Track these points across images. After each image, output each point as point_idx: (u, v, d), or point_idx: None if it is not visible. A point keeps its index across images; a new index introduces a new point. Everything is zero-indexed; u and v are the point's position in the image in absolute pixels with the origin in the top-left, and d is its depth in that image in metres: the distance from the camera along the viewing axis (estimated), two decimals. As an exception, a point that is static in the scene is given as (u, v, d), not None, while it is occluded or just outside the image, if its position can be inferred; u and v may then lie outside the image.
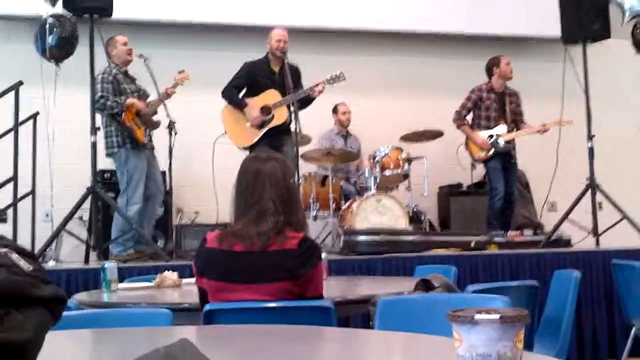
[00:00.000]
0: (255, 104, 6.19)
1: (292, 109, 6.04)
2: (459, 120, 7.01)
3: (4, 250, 1.22)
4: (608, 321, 5.64)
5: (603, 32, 6.47)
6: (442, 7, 8.01)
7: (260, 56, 6.37)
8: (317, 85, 6.15)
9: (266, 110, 6.17)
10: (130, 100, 5.84)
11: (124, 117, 5.82)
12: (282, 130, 6.23)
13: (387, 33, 8.03)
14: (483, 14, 8.08)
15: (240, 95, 6.33)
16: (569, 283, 3.45)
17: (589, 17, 6.41)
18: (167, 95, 6.05)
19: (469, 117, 7.08)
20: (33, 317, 1.17)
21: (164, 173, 6.51)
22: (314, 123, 6.99)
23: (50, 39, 5.45)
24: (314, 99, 6.25)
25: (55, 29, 5.47)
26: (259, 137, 6.17)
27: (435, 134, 6.98)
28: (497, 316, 1.11)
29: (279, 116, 6.17)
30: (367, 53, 8.03)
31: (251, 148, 6.08)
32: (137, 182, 5.83)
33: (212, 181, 6.22)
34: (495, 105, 6.97)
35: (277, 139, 6.23)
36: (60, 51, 5.54)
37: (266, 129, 6.18)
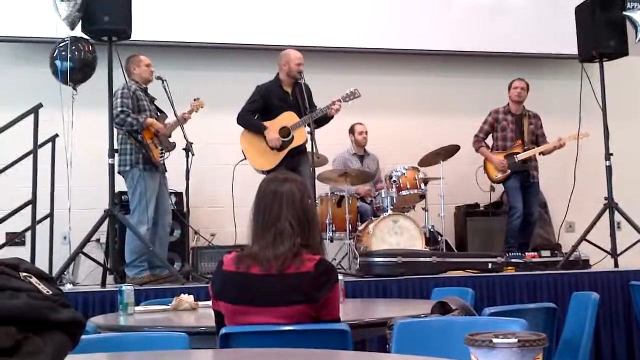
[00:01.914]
0: (273, 126, 6.19)
1: (308, 129, 6.02)
2: (477, 142, 7.08)
3: (24, 274, 1.23)
4: (627, 343, 5.59)
5: (620, 49, 6.46)
6: (459, 25, 8.03)
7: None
8: (333, 103, 6.15)
9: (285, 131, 6.17)
10: (150, 120, 5.88)
11: (144, 134, 5.85)
12: (299, 151, 6.23)
13: (404, 52, 8.04)
14: (500, 33, 8.09)
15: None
16: (587, 305, 3.43)
17: (605, 35, 6.40)
18: (184, 119, 6.09)
19: (490, 141, 7.11)
20: (51, 341, 1.18)
21: (180, 194, 6.54)
22: (330, 143, 7.01)
23: (68, 62, 5.50)
24: (331, 117, 6.26)
25: (73, 52, 5.52)
26: (280, 160, 6.16)
27: (452, 150, 6.95)
28: (514, 340, 1.11)
29: (299, 137, 6.16)
30: (383, 73, 8.04)
31: (270, 171, 6.06)
32: (147, 202, 5.84)
33: (231, 203, 6.20)
34: (512, 126, 7.00)
35: (294, 159, 6.22)
36: (79, 74, 5.59)
37: (287, 150, 6.17)
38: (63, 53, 5.50)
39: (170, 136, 6.13)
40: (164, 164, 6.09)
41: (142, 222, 5.78)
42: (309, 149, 6.05)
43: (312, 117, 6.00)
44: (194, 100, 6.23)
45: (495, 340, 1.11)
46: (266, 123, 6.17)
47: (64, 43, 5.52)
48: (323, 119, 6.22)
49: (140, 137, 5.83)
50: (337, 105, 6.15)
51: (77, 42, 5.60)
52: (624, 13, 6.26)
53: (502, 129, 7.03)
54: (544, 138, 7.08)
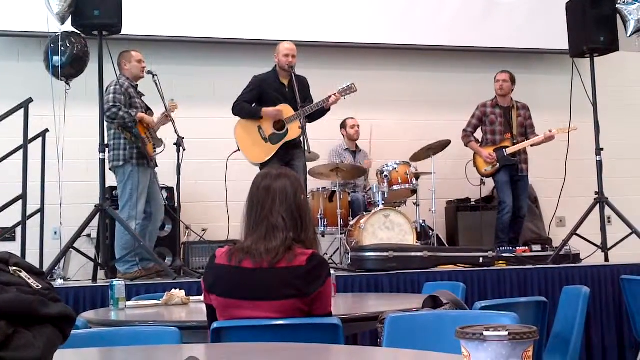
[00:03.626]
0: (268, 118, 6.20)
1: (301, 122, 6.00)
2: (466, 137, 7.10)
3: (14, 268, 1.23)
4: (617, 337, 5.62)
5: (610, 45, 6.48)
6: (451, 21, 8.03)
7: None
8: (329, 97, 6.16)
9: (280, 124, 6.17)
10: (140, 115, 5.87)
11: (139, 129, 5.84)
12: (293, 144, 6.22)
13: (396, 47, 8.04)
14: (492, 28, 8.10)
15: None
16: (578, 299, 3.44)
17: (596, 30, 6.42)
18: (166, 118, 6.08)
19: (480, 135, 7.12)
20: (42, 335, 1.18)
21: (171, 189, 6.52)
22: (321, 139, 7.00)
23: (61, 57, 5.47)
24: (328, 110, 6.26)
25: (66, 47, 5.50)
26: (274, 152, 6.16)
27: (443, 145, 6.96)
28: (505, 333, 1.11)
29: (293, 130, 6.14)
30: (376, 68, 8.03)
31: (265, 164, 6.07)
32: (138, 198, 5.82)
33: (224, 197, 6.20)
34: (500, 119, 7.01)
35: (288, 153, 6.22)
36: (71, 69, 5.56)
37: (281, 144, 6.17)
38: (57, 48, 5.47)
39: (156, 131, 6.12)
40: (154, 159, 6.08)
41: (132, 218, 5.76)
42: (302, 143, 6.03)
43: (306, 111, 6.00)
44: (171, 100, 6.20)
45: (486, 333, 1.11)
46: (263, 108, 6.17)
47: (57, 38, 5.49)
48: (320, 112, 6.22)
49: (135, 131, 5.81)
50: (333, 98, 6.15)
51: (71, 36, 5.58)
52: (617, 6, 6.26)
53: (491, 122, 7.04)
54: (533, 129, 7.07)
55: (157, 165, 6.11)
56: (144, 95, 6.14)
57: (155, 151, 5.99)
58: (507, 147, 6.91)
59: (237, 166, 6.33)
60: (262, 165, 6.05)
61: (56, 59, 5.47)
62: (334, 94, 6.18)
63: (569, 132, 6.58)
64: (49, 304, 1.20)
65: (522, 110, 7.08)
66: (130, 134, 5.79)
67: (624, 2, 6.23)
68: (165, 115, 6.06)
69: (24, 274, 1.22)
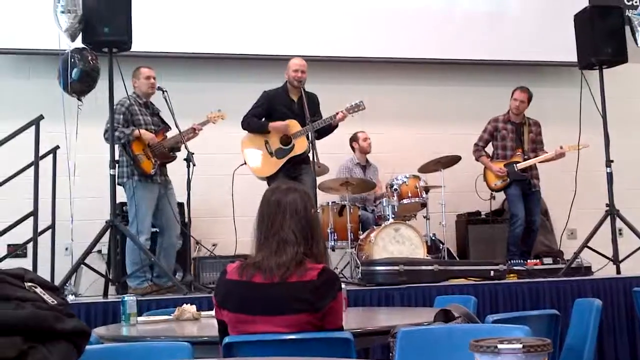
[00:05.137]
0: (275, 133, 6.23)
1: (310, 138, 6.03)
2: (477, 152, 7.09)
3: (29, 284, 1.23)
4: (630, 349, 5.58)
5: (619, 57, 6.47)
6: (459, 34, 8.05)
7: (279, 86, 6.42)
8: (337, 114, 6.18)
9: (286, 139, 6.20)
10: (137, 132, 5.89)
11: (133, 146, 5.87)
12: (301, 159, 6.25)
13: (405, 61, 8.06)
14: (500, 41, 8.11)
15: None
16: (590, 312, 3.42)
17: (604, 42, 6.41)
18: (194, 131, 6.10)
19: (490, 149, 7.12)
20: (57, 351, 1.18)
21: (182, 205, 6.53)
22: (331, 153, 7.01)
23: (72, 74, 5.51)
24: (336, 127, 6.28)
25: (77, 64, 5.53)
26: (279, 167, 6.18)
27: (453, 160, 6.96)
28: (519, 345, 1.11)
29: (299, 146, 6.18)
30: (385, 82, 8.05)
31: (270, 178, 6.11)
32: (144, 214, 5.85)
33: (231, 212, 6.22)
34: (512, 135, 7.00)
35: (295, 168, 6.25)
36: (82, 85, 5.59)
37: (286, 158, 6.20)
38: (70, 64, 5.50)
39: (179, 149, 6.13)
40: (162, 175, 6.08)
41: (141, 233, 5.78)
42: (311, 158, 6.06)
43: (314, 127, 6.02)
44: (218, 111, 6.24)
45: (500, 346, 1.11)
46: (271, 123, 6.22)
47: (70, 54, 5.52)
48: (327, 129, 6.24)
49: (129, 150, 5.86)
50: (340, 116, 6.18)
51: (83, 53, 5.62)
52: (627, 14, 6.24)
53: (502, 137, 7.03)
54: (542, 145, 7.08)
55: (167, 180, 6.11)
56: (159, 111, 6.17)
57: (154, 167, 5.97)
58: (518, 162, 6.90)
59: (245, 180, 6.34)
60: (269, 180, 6.09)
61: (71, 75, 5.50)
62: (342, 111, 6.21)
63: (579, 149, 6.57)
64: (64, 320, 1.21)
65: (533, 127, 7.08)
66: (126, 152, 5.85)
67: (634, 12, 6.21)
68: (192, 129, 6.11)
69: (39, 290, 1.23)
